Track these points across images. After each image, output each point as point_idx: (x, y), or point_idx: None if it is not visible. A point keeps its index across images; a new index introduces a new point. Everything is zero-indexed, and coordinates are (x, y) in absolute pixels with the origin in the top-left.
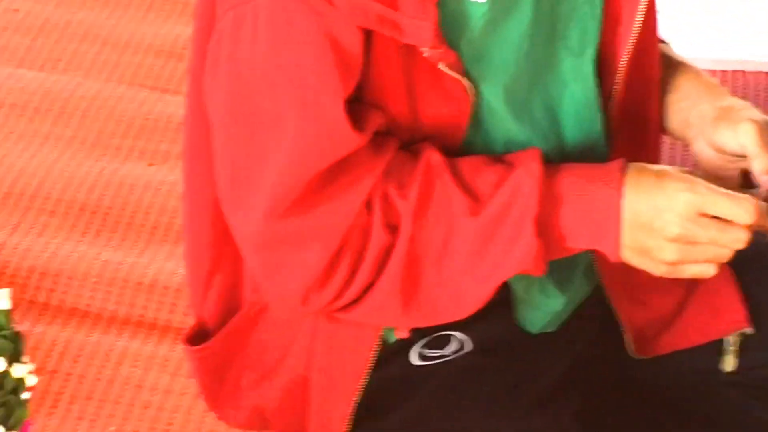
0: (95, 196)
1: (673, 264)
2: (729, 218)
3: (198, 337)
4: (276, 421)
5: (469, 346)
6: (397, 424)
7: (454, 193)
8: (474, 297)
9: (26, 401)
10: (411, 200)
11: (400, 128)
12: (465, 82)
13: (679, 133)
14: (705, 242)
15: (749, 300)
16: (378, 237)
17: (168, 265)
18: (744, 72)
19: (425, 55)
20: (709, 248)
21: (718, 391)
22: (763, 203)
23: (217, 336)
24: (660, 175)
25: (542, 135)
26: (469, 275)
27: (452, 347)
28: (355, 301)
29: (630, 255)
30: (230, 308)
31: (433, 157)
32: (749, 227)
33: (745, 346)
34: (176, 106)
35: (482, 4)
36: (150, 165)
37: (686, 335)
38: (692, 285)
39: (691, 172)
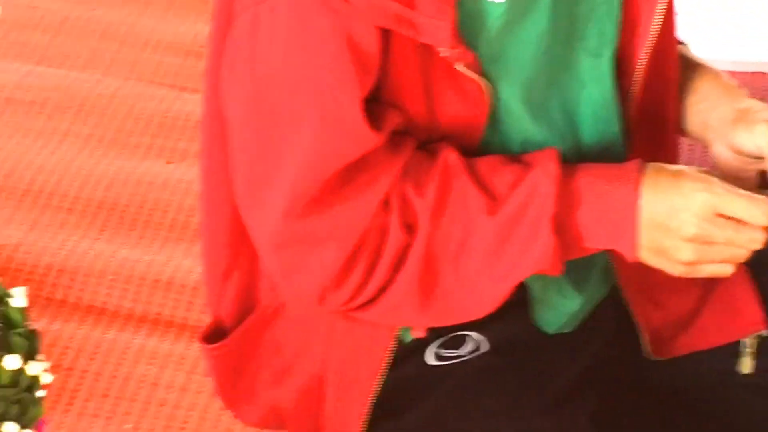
0: (113, 194)
1: (690, 264)
2: (745, 219)
3: (214, 335)
4: (291, 421)
5: (485, 346)
6: (412, 424)
7: (472, 192)
8: (491, 297)
9: (41, 399)
10: (428, 200)
11: (417, 128)
12: (482, 82)
13: (698, 134)
14: (721, 242)
15: (767, 301)
16: (395, 236)
17: (185, 263)
18: (764, 74)
19: (443, 54)
20: (725, 248)
21: (734, 393)
22: None
23: (233, 334)
24: (677, 175)
25: (559, 135)
26: (486, 275)
27: (468, 347)
28: (372, 301)
29: (647, 255)
30: (247, 307)
31: (450, 156)
32: (766, 228)
33: (762, 348)
34: (195, 105)
35: (500, 4)
36: (168, 163)
37: (703, 337)
38: (709, 286)
39: (708, 172)
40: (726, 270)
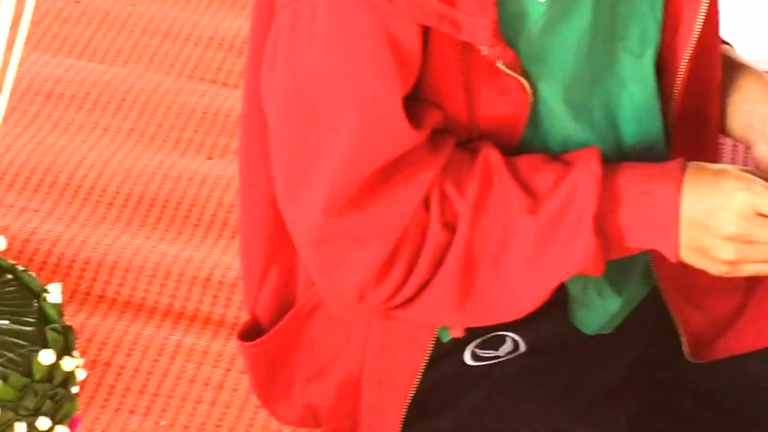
0: (153, 189)
1: (730, 263)
2: None
3: (251, 332)
4: (327, 420)
5: (523, 346)
6: (449, 424)
7: (513, 191)
8: (531, 297)
9: (75, 395)
10: (469, 198)
11: (457, 126)
12: (523, 81)
13: (741, 135)
14: (762, 242)
15: None
16: (435, 235)
17: (224, 260)
18: None
19: (483, 53)
20: (765, 248)
21: None
22: None
23: (270, 332)
24: (718, 174)
25: (600, 135)
26: (526, 274)
27: (506, 348)
28: (411, 300)
29: (688, 254)
30: (284, 305)
31: (491, 154)
32: None
33: None
34: (236, 100)
35: (541, 3)
36: (208, 158)
37: (744, 340)
38: (750, 289)
39: (750, 172)
40: (767, 270)
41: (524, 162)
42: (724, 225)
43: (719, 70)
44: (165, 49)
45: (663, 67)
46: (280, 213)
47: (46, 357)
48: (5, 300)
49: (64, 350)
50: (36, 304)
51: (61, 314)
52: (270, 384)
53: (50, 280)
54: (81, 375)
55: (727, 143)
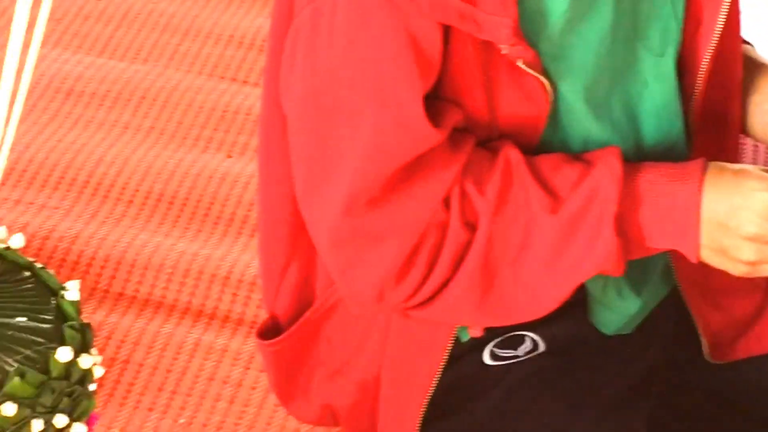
0: (173, 187)
1: (751, 264)
2: None
3: (270, 331)
4: (346, 419)
5: (542, 346)
6: (468, 423)
7: (533, 190)
8: (551, 297)
9: (93, 392)
10: (489, 197)
11: (477, 125)
12: (544, 80)
13: (762, 135)
14: None
15: None
16: (455, 234)
17: (243, 258)
18: None
19: (504, 52)
20: None
21: None
22: None
23: (289, 331)
24: (739, 174)
25: (621, 135)
26: (546, 274)
27: (525, 347)
28: (430, 299)
29: (708, 255)
30: (303, 303)
31: (511, 154)
32: None
33: None
34: (256, 98)
35: (562, 2)
36: (228, 157)
37: (764, 340)
38: None
39: None
40: None
41: (545, 161)
42: (745, 225)
43: (740, 70)
44: (185, 47)
45: (684, 67)
46: (299, 212)
47: (63, 354)
48: (23, 297)
49: (82, 348)
50: (54, 302)
51: (78, 312)
52: (288, 382)
53: (69, 278)
54: (98, 372)
55: (747, 143)
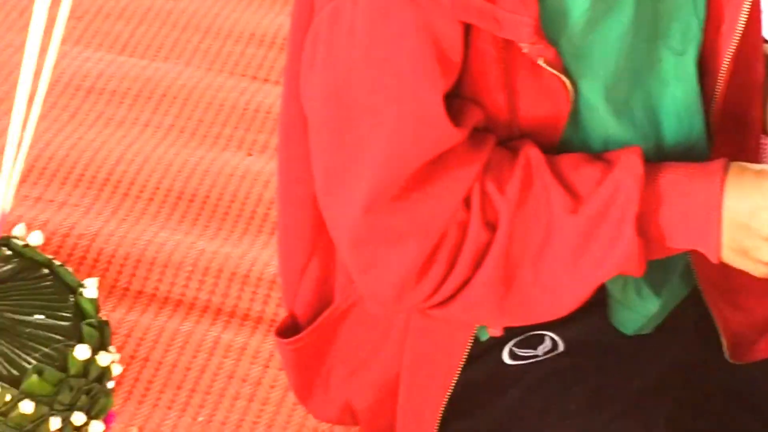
0: (193, 185)
1: None
2: None
3: (290, 329)
4: (364, 418)
5: (561, 346)
6: (486, 423)
7: (554, 190)
8: (571, 297)
9: (111, 390)
10: (510, 197)
11: (497, 125)
12: (564, 79)
13: None
14: None
15: None
16: (476, 234)
17: (263, 256)
18: None
19: (524, 50)
20: None
21: None
22: None
23: (308, 329)
24: (760, 174)
25: (642, 134)
26: (567, 274)
27: (545, 347)
28: (450, 299)
29: (729, 255)
30: (322, 302)
31: (532, 153)
32: None
33: None
34: (276, 97)
35: (583, 1)
36: (248, 155)
37: None
38: None
39: None
40: None
41: (565, 161)
42: (766, 226)
43: (762, 70)
44: (206, 45)
45: (705, 67)
46: (319, 210)
47: (81, 352)
48: (41, 295)
49: (100, 345)
50: (72, 299)
51: (97, 309)
52: (307, 381)
53: (89, 276)
54: (117, 370)
55: None
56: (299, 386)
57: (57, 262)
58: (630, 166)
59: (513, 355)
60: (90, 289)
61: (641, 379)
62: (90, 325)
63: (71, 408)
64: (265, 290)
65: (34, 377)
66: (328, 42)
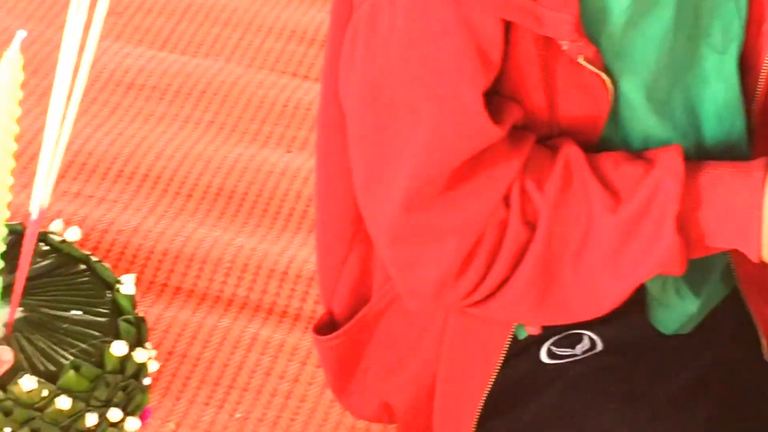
0: (232, 181)
1: None
2: None
3: (327, 326)
4: (401, 416)
5: (600, 345)
6: (524, 422)
7: (594, 188)
8: (611, 296)
9: (147, 386)
10: (549, 195)
11: (537, 123)
12: (604, 77)
13: None
14: None
15: None
16: (515, 232)
17: (302, 253)
18: None
19: (564, 48)
20: None
21: None
22: None
23: (345, 327)
24: None
25: (682, 133)
26: (606, 273)
27: (583, 346)
28: (489, 297)
29: None
30: (360, 299)
31: (571, 151)
32: None
33: None
34: (316, 94)
35: None
36: (288, 152)
37: None
38: None
39: None
40: None
41: (605, 159)
42: None
43: None
44: (247, 42)
45: (746, 66)
46: (357, 208)
47: (118, 348)
48: (78, 290)
49: (137, 342)
50: (109, 295)
51: (134, 305)
52: (345, 379)
53: (127, 271)
54: (153, 367)
55: None
56: (337, 384)
57: (94, 258)
58: (670, 165)
59: (551, 354)
60: (127, 285)
61: (680, 379)
62: (127, 321)
63: (107, 404)
64: (304, 287)
65: (71, 373)
66: (367, 39)
